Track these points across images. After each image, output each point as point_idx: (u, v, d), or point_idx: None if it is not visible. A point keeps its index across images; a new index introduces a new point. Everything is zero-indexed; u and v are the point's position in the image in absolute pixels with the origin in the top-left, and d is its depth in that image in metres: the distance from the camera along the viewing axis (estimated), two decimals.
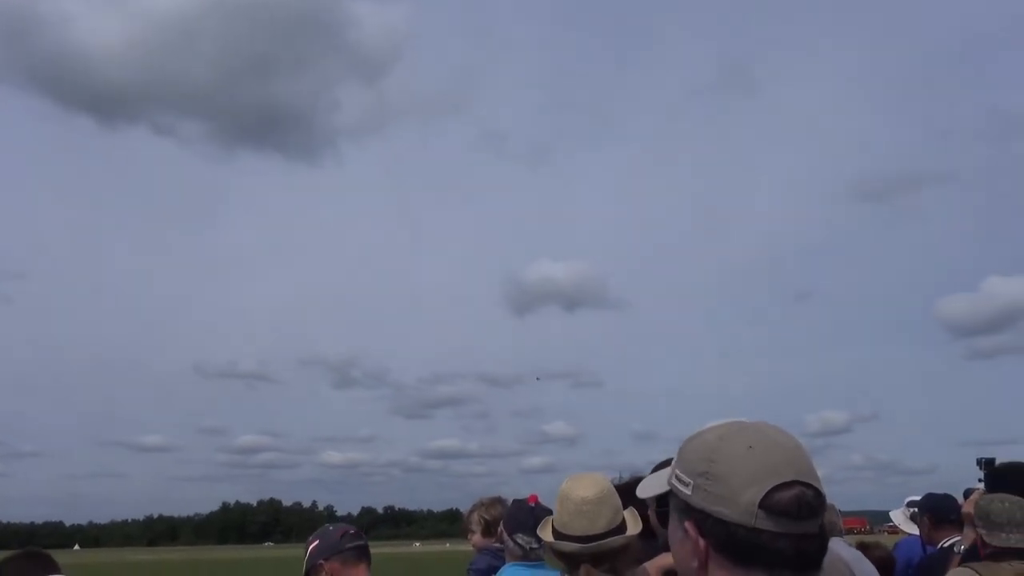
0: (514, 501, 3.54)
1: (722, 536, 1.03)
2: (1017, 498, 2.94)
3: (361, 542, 2.65)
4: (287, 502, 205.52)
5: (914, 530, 4.58)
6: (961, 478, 4.04)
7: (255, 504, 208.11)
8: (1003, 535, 2.82)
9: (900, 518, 4.86)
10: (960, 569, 2.84)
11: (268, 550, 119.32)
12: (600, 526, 2.11)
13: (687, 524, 1.06)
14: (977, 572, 2.72)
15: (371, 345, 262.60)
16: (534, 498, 3.03)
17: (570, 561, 2.15)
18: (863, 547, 4.37)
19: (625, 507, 2.27)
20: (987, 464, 3.84)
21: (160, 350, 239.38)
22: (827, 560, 2.93)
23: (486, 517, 3.68)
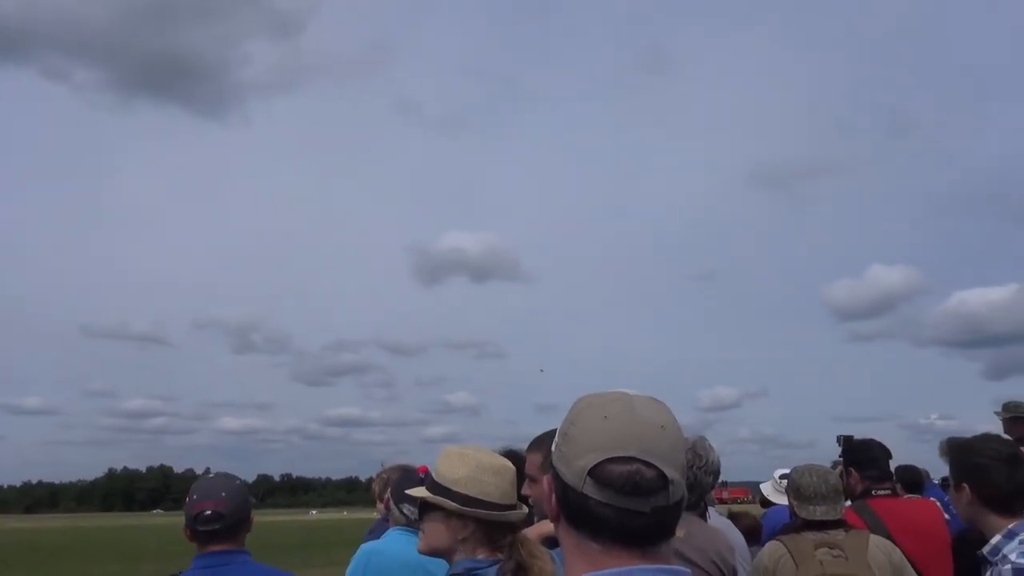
0: (403, 470, 3.64)
1: (560, 494, 1.08)
2: (825, 470, 3.10)
3: (215, 526, 2.50)
4: (179, 469, 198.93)
5: (783, 501, 4.95)
6: (835, 452, 4.35)
7: (144, 471, 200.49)
8: (810, 507, 2.97)
9: (769, 489, 5.22)
10: (771, 543, 3.00)
11: (156, 517, 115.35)
12: (512, 495, 2.14)
13: (546, 478, 1.13)
14: (784, 544, 2.87)
15: (274, 310, 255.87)
16: (424, 469, 3.14)
17: (508, 530, 2.10)
18: (732, 516, 4.71)
19: None
20: (846, 440, 4.19)
21: (44, 308, 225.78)
22: (700, 527, 3.11)
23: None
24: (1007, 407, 5.43)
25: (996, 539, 2.46)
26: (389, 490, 3.19)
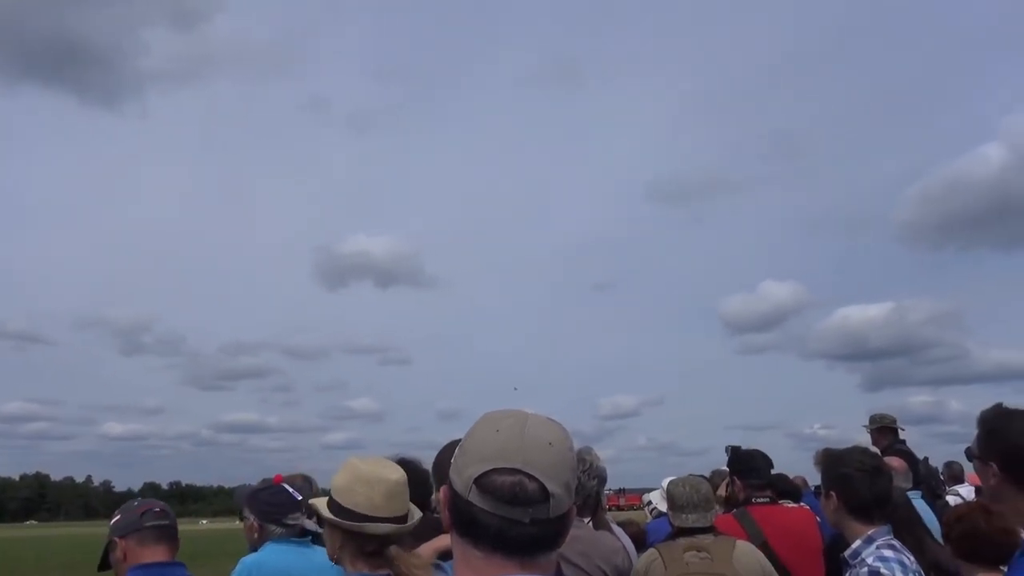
0: (304, 479, 3.60)
1: (450, 503, 1.15)
2: (697, 481, 3.30)
3: (164, 521, 2.53)
4: (56, 476, 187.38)
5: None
6: (725, 460, 4.55)
7: (17, 478, 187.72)
8: (683, 515, 3.17)
9: (657, 498, 5.42)
10: (647, 551, 3.15)
11: (29, 528, 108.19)
12: (406, 508, 2.14)
13: (443, 488, 1.19)
14: (659, 552, 3.01)
15: (168, 310, 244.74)
16: (279, 478, 3.16)
17: (376, 542, 2.07)
18: (619, 524, 4.88)
19: None
20: (733, 450, 4.42)
21: None
22: (586, 532, 3.20)
23: None
24: (873, 419, 5.86)
25: (857, 543, 2.66)
26: (251, 507, 3.07)
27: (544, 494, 1.09)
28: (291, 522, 2.99)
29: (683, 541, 3.05)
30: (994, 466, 2.22)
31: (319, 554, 2.51)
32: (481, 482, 1.09)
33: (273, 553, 2.93)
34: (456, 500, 1.13)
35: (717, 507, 3.62)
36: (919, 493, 4.81)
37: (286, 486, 3.08)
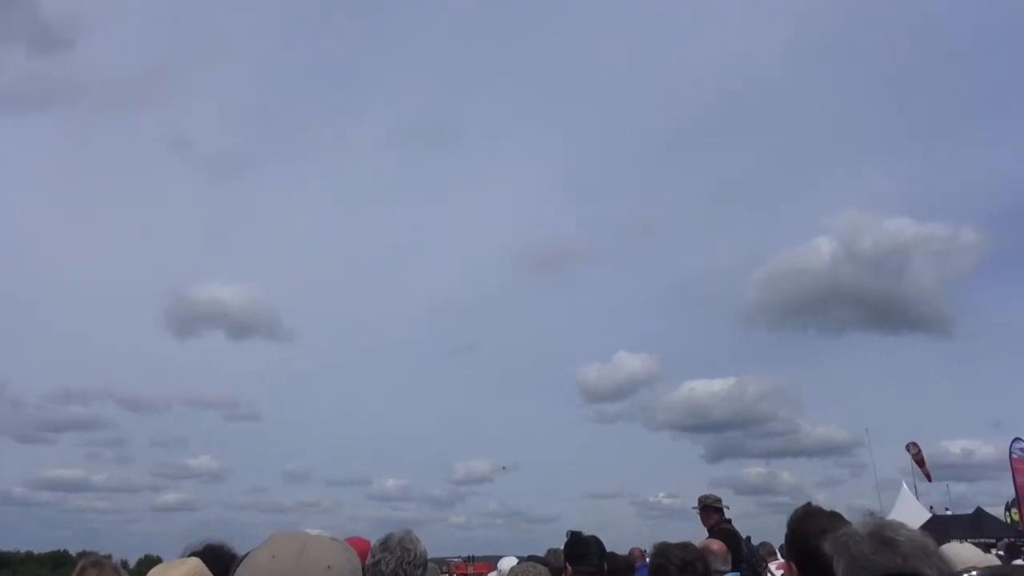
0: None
1: None
2: (531, 566, 3.67)
3: None
4: None
5: None
6: (574, 525, 4.75)
7: None
8: None
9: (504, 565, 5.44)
10: None
11: None
12: None
13: None
14: None
15: None
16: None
17: None
18: None
19: None
20: (572, 535, 4.58)
21: None
22: None
23: None
24: (700, 500, 6.16)
25: None
26: None
27: None
28: None
29: None
30: (793, 566, 2.43)
31: None
32: None
33: None
34: None
35: None
36: (738, 574, 5.05)
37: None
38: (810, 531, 2.26)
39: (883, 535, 1.78)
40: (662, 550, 3.25)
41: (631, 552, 8.45)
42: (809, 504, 2.49)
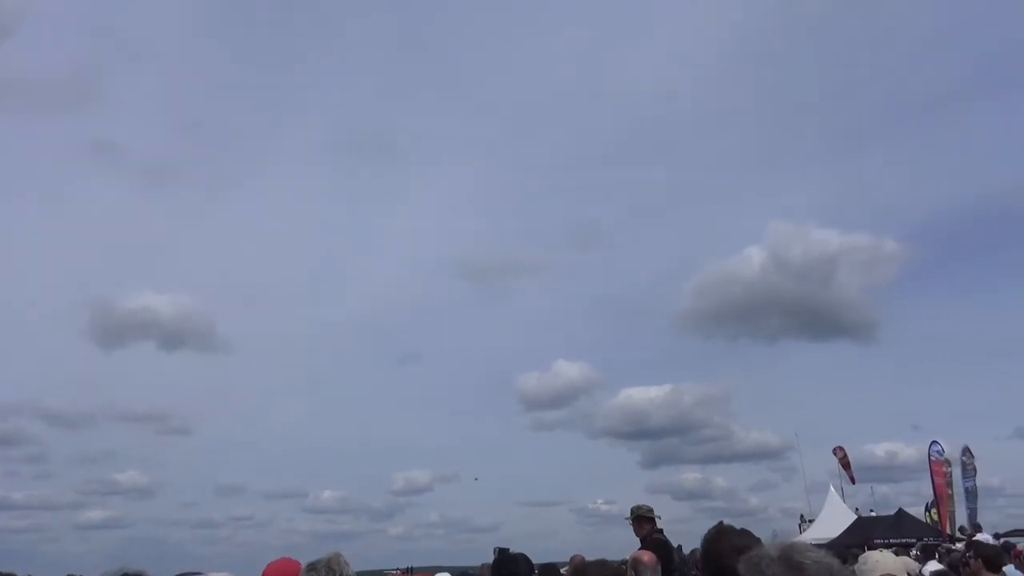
0: None
1: None
2: None
3: None
4: None
5: None
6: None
7: None
8: None
9: None
10: None
11: None
12: None
13: None
14: None
15: None
16: None
17: None
18: None
19: None
20: (500, 552, 4.60)
21: None
22: None
23: None
24: (632, 511, 6.28)
25: None
26: None
27: None
28: None
29: None
30: None
31: None
32: None
33: None
34: None
35: None
36: None
37: None
38: (723, 550, 2.37)
39: (791, 559, 1.87)
40: (579, 568, 3.36)
41: (572, 559, 8.50)
42: (721, 523, 2.58)
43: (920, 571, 7.42)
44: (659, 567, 5.32)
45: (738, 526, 2.51)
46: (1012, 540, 22.73)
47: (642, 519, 6.14)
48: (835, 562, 1.93)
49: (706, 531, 2.53)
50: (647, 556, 4.99)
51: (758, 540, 2.29)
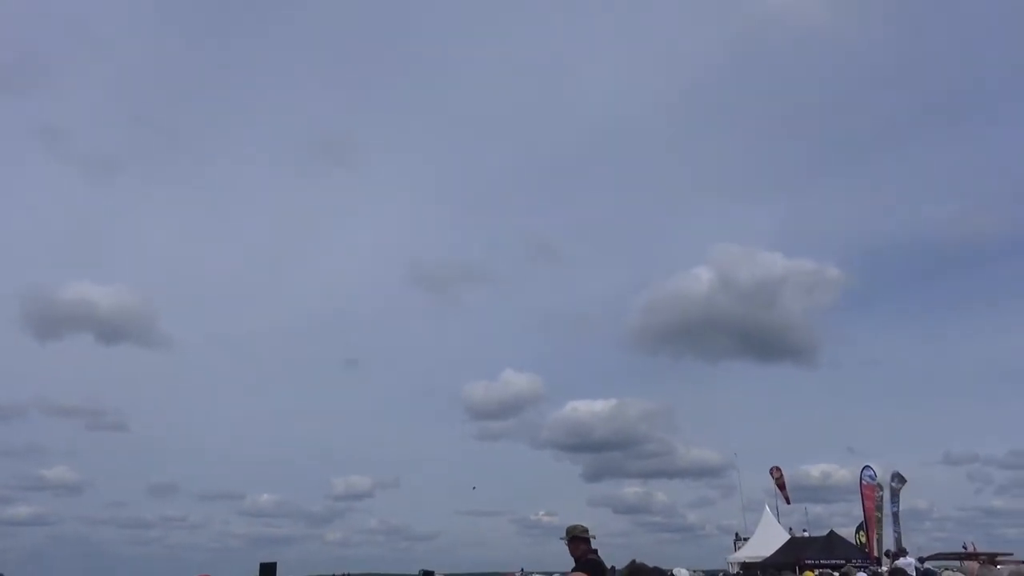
0: None
1: None
2: None
3: None
4: None
5: None
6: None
7: None
8: None
9: None
10: None
11: None
12: None
13: None
14: None
15: None
16: None
17: None
18: None
19: None
20: (425, 573, 4.62)
21: None
22: None
23: None
24: (568, 531, 6.33)
25: None
26: None
27: None
28: None
29: None
30: None
31: None
32: None
33: None
34: None
35: None
36: None
37: None
38: None
39: None
40: (636, 571, 3.39)
41: (630, 564, 8.36)
42: (634, 562, 2.69)
43: None
44: None
45: (650, 564, 2.60)
46: (933, 568, 23.50)
47: (577, 539, 6.20)
48: None
49: (621, 569, 2.62)
50: None
51: None
